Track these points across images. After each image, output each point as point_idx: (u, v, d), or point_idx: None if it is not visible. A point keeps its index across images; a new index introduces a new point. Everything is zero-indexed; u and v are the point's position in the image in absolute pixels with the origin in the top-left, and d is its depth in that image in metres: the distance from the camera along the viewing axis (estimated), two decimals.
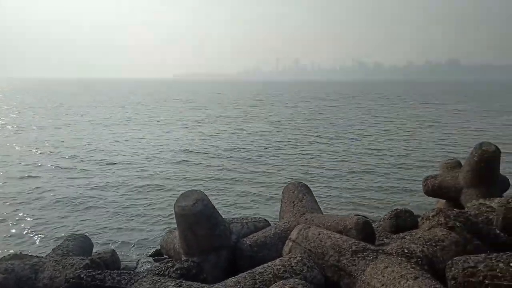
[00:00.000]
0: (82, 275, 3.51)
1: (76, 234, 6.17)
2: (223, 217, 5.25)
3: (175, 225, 5.20)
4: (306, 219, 5.25)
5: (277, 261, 3.78)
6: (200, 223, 4.74)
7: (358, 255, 3.75)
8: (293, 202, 5.72)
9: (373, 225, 5.02)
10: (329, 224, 4.91)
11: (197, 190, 5.04)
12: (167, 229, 8.42)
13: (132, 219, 10.50)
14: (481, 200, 5.88)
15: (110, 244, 8.81)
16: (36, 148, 20.62)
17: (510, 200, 4.32)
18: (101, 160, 17.75)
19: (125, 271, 3.75)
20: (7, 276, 4.51)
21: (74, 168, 16.18)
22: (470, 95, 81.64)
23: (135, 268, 6.79)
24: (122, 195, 12.58)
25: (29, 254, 6.72)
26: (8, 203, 11.83)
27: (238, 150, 20.24)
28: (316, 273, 3.63)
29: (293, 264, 3.66)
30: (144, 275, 3.53)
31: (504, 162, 7.67)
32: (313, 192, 6.14)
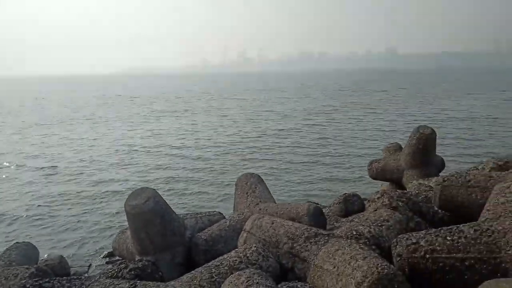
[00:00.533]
0: (27, 285, 3.32)
1: (19, 242, 5.79)
2: (176, 213, 5.19)
3: (127, 225, 5.06)
4: (260, 209, 5.32)
5: (233, 253, 3.82)
6: (152, 221, 4.65)
7: (310, 240, 3.87)
8: (246, 193, 5.77)
9: (324, 211, 5.20)
10: (282, 212, 5.02)
11: (147, 188, 4.92)
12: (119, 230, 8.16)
13: (81, 224, 10.07)
14: (420, 180, 6.30)
15: (58, 251, 8.38)
16: None
17: (445, 179, 4.66)
18: (41, 167, 16.70)
19: (75, 277, 3.59)
20: None
21: (13, 175, 15.13)
22: (407, 82, 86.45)
23: (87, 272, 6.53)
24: (67, 200, 11.98)
25: None
26: None
27: (188, 147, 20.00)
28: (271, 261, 3.71)
29: (248, 254, 3.71)
30: (96, 279, 3.41)
31: (439, 144, 8.24)
32: (266, 184, 6.25)
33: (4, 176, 15.02)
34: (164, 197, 5.01)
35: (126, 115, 35.57)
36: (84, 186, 13.43)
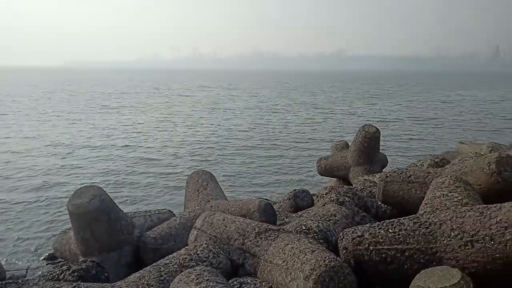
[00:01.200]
0: None
1: None
2: (124, 212, 5.02)
3: (70, 225, 4.82)
4: (211, 206, 5.29)
5: (183, 250, 3.77)
6: (98, 220, 4.46)
7: (261, 236, 3.90)
8: (198, 190, 5.71)
9: (274, 207, 5.28)
10: (233, 209, 5.03)
11: (92, 186, 4.72)
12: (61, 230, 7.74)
13: (18, 225, 9.42)
14: (365, 176, 6.59)
15: None
16: None
17: (388, 175, 4.91)
18: None
19: (11, 281, 3.36)
20: None
21: None
22: (353, 83, 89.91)
23: (25, 276, 6.13)
24: (2, 199, 11.17)
25: None
26: None
27: (137, 145, 19.40)
28: (222, 258, 3.71)
29: (198, 251, 3.68)
30: (35, 282, 3.21)
31: (382, 142, 8.67)
32: (217, 181, 6.22)
33: None
34: (111, 196, 4.84)
35: (68, 110, 33.81)
36: (23, 184, 12.60)
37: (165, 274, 3.38)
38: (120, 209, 4.88)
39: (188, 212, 5.28)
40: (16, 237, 8.61)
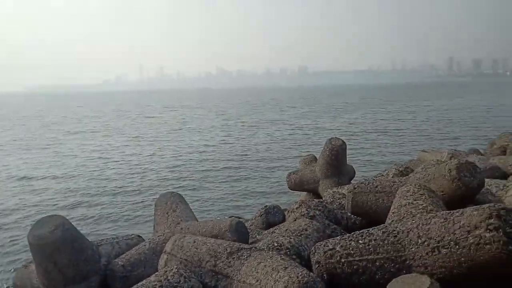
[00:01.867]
0: None
1: None
2: (90, 241, 4.82)
3: (31, 258, 4.56)
4: (181, 228, 5.17)
5: (152, 277, 3.64)
6: (62, 251, 4.25)
7: (233, 256, 3.85)
8: (167, 213, 5.57)
9: (246, 224, 5.23)
10: (204, 230, 4.93)
11: (55, 215, 4.52)
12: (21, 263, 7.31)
13: None
14: (334, 189, 6.68)
15: None
16: None
17: (356, 186, 5.00)
18: None
19: None
20: None
21: None
22: (318, 98, 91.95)
23: None
24: None
25: None
26: None
27: (101, 169, 18.80)
28: (193, 281, 3.61)
29: (169, 277, 3.57)
30: None
31: (349, 154, 8.85)
32: (187, 202, 6.09)
33: None
34: (75, 225, 4.64)
35: (31, 137, 32.50)
36: None
37: None
38: (85, 237, 4.69)
39: (158, 236, 5.14)
40: None
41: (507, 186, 5.18)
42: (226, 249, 3.97)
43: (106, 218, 11.40)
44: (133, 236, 5.43)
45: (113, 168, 18.53)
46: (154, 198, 9.91)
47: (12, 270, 7.85)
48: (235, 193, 13.51)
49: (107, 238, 5.32)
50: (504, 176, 6.54)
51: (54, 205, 12.91)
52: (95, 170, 18.26)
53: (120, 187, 14.88)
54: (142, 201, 12.90)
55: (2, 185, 15.71)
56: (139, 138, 30.06)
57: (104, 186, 15.16)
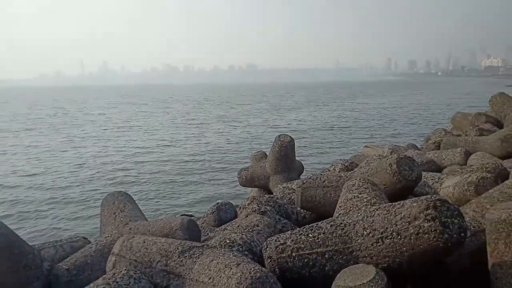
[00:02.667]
0: None
1: None
2: (30, 245, 4.53)
3: None
4: (130, 228, 5.02)
5: (100, 280, 3.51)
6: None
7: (185, 254, 3.81)
8: (114, 213, 5.38)
9: (198, 222, 5.20)
10: (154, 229, 4.83)
11: None
12: None
13: None
14: (284, 184, 6.82)
15: None
16: None
17: (304, 181, 5.15)
18: None
19: None
20: None
21: None
22: (267, 96, 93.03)
23: None
24: None
25: None
26: None
27: (41, 168, 17.69)
28: (144, 282, 3.53)
29: (118, 279, 3.46)
30: None
31: (297, 150, 9.07)
32: (136, 202, 5.92)
33: None
34: (13, 229, 4.34)
35: None
36: None
37: None
38: (24, 242, 4.41)
39: (105, 237, 4.95)
40: None
41: (442, 179, 5.60)
42: (177, 248, 3.92)
43: (46, 221, 10.76)
44: (78, 238, 5.19)
45: (54, 169, 17.49)
46: (99, 199, 9.52)
47: None
48: (185, 191, 13.34)
49: (49, 242, 5.04)
50: (439, 169, 7.06)
51: None
52: (33, 171, 17.13)
53: (61, 188, 14.09)
54: (85, 202, 12.32)
55: None
56: (81, 137, 28.62)
57: (43, 188, 14.28)
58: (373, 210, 3.27)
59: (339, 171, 6.97)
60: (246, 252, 3.80)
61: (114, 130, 32.51)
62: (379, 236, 2.93)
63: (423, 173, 5.26)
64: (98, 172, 16.58)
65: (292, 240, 3.35)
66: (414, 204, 2.94)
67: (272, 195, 6.18)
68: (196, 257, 3.75)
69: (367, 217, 3.19)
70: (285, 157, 7.75)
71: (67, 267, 4.35)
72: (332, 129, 29.86)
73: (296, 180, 6.91)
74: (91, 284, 3.45)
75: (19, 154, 21.32)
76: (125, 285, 3.40)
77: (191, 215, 5.94)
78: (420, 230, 2.76)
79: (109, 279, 3.45)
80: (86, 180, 15.14)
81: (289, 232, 3.59)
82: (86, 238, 5.31)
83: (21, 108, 61.54)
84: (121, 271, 3.56)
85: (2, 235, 4.01)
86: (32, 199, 12.65)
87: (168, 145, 23.90)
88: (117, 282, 3.41)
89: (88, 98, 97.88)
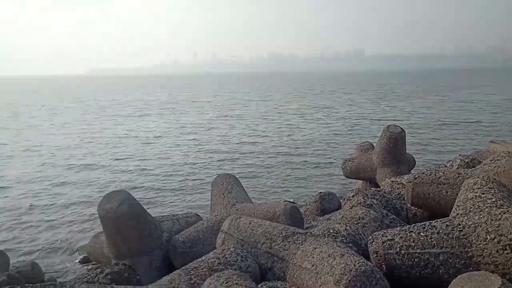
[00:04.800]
0: None
1: None
2: (152, 216, 5.11)
3: (101, 229, 4.93)
4: (237, 209, 5.31)
5: (211, 254, 3.79)
6: (127, 225, 4.56)
7: (288, 239, 3.89)
8: (223, 194, 5.74)
9: (300, 210, 5.26)
10: (259, 212, 5.03)
11: (120, 190, 4.82)
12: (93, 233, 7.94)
13: (53, 228, 9.66)
14: (393, 178, 6.46)
15: (30, 257, 8.02)
16: None
17: (416, 176, 4.81)
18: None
19: (49, 282, 3.48)
20: None
21: None
22: (372, 85, 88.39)
23: (61, 277, 6.32)
24: (33, 204, 11.51)
25: None
26: None
27: (161, 151, 19.62)
28: (250, 261, 3.71)
29: (227, 255, 3.70)
30: (71, 284, 3.31)
31: (409, 144, 8.48)
32: (242, 185, 6.22)
33: None
34: (137, 200, 4.92)
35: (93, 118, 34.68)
36: (53, 188, 12.99)
37: (195, 277, 3.42)
38: (148, 213, 4.97)
39: (215, 216, 5.33)
40: (53, 241, 8.81)
41: None
42: (281, 232, 4.02)
43: (164, 196, 11.98)
44: (191, 214, 5.68)
45: (171, 151, 19.32)
46: (209, 179, 10.24)
47: (83, 237, 8.55)
48: (289, 177, 13.55)
49: (167, 215, 5.61)
50: None
51: (116, 181, 13.74)
52: (154, 152, 19.16)
53: (176, 168, 15.51)
54: (198, 182, 13.38)
55: (66, 159, 17.02)
56: (202, 120, 30.96)
57: (162, 167, 15.89)
58: (500, 213, 2.92)
59: (457, 167, 6.35)
60: (350, 244, 3.73)
61: (227, 116, 34.28)
62: (507, 243, 2.60)
63: None
64: (207, 154, 17.83)
65: (401, 237, 3.19)
66: None
67: (379, 189, 5.92)
68: (299, 243, 3.80)
69: (491, 220, 2.87)
70: (394, 149, 7.32)
71: (183, 240, 4.80)
72: (447, 123, 27.12)
73: (407, 175, 6.50)
74: (203, 257, 3.76)
75: (140, 136, 24.03)
76: (233, 261, 3.62)
77: (293, 203, 6.03)
78: None
79: (219, 254, 3.72)
80: (199, 161, 16.40)
81: (398, 228, 3.42)
82: (198, 215, 5.77)
83: (145, 94, 68.87)
84: (229, 248, 3.81)
85: (132, 206, 4.58)
86: (151, 177, 14.17)
87: (274, 133, 24.20)
88: (226, 258, 3.65)
89: (202, 86, 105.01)
